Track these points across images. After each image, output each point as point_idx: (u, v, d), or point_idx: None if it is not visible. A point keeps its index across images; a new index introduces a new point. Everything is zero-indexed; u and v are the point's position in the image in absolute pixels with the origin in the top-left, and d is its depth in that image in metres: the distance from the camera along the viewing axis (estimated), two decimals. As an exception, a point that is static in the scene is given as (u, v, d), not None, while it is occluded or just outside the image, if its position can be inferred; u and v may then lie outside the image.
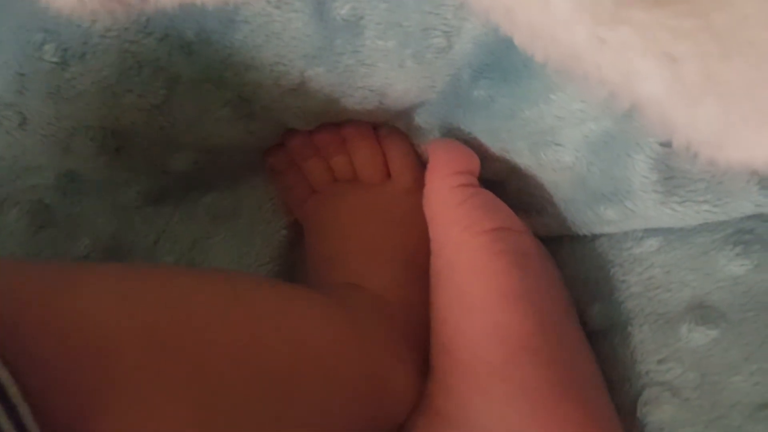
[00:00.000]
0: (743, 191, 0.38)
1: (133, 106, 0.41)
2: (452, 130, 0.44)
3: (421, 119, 0.45)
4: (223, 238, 0.49)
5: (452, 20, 0.38)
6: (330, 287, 0.43)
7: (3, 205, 0.45)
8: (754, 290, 0.39)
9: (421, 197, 0.43)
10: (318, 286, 0.45)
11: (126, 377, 0.28)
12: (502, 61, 0.39)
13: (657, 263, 0.42)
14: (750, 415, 0.38)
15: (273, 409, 0.32)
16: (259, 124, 0.44)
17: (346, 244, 0.45)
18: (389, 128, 0.47)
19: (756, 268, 0.40)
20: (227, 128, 0.44)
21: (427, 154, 0.43)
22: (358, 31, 0.38)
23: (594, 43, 0.29)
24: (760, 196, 0.38)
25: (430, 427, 0.38)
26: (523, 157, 0.42)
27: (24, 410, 0.25)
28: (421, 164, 0.46)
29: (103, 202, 0.47)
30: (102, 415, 0.27)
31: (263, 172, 0.50)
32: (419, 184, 0.43)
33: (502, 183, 0.44)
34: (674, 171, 0.38)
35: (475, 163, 0.42)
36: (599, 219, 0.42)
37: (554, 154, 0.40)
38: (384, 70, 0.40)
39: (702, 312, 0.40)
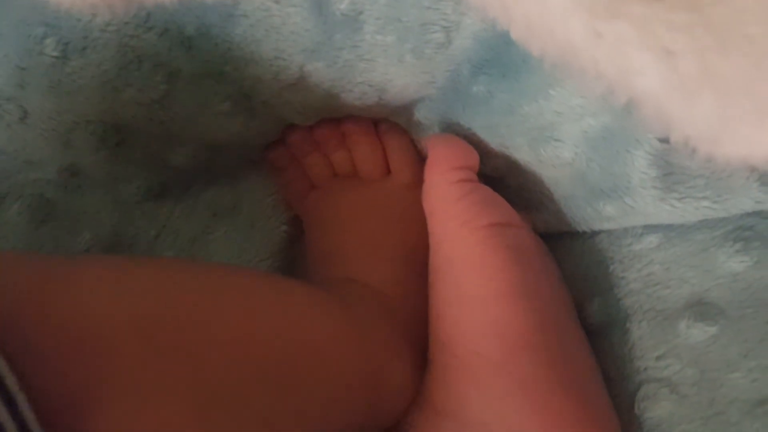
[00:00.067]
0: (743, 188, 0.38)
1: (133, 100, 0.41)
2: (452, 126, 0.44)
3: (420, 115, 0.45)
4: (223, 233, 0.49)
5: (451, 15, 0.38)
6: (329, 282, 0.43)
7: (5, 199, 0.45)
8: (754, 287, 0.39)
9: (420, 193, 0.43)
10: (317, 281, 0.45)
11: (123, 370, 0.28)
12: (501, 57, 0.39)
13: (656, 260, 0.42)
14: (748, 411, 0.38)
15: (270, 404, 0.32)
16: (259, 119, 0.45)
17: (345, 239, 0.46)
18: (389, 124, 0.47)
19: (755, 264, 0.40)
20: (227, 123, 0.44)
21: (426, 149, 0.43)
22: (357, 26, 0.38)
23: (590, 37, 0.29)
24: (760, 192, 0.38)
25: (427, 422, 0.38)
26: (522, 152, 0.42)
27: (21, 399, 0.25)
28: (420, 160, 0.46)
29: (104, 197, 0.47)
30: (98, 406, 0.27)
31: (264, 167, 0.50)
32: (419, 179, 0.43)
33: (502, 179, 0.44)
34: (673, 167, 0.38)
35: (474, 159, 0.42)
36: (598, 215, 0.42)
37: (553, 150, 0.40)
38: (383, 65, 0.40)
39: (701, 308, 0.40)
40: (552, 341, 0.38)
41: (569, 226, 0.44)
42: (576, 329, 0.41)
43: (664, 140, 0.37)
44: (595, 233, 0.44)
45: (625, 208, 0.41)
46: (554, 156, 0.41)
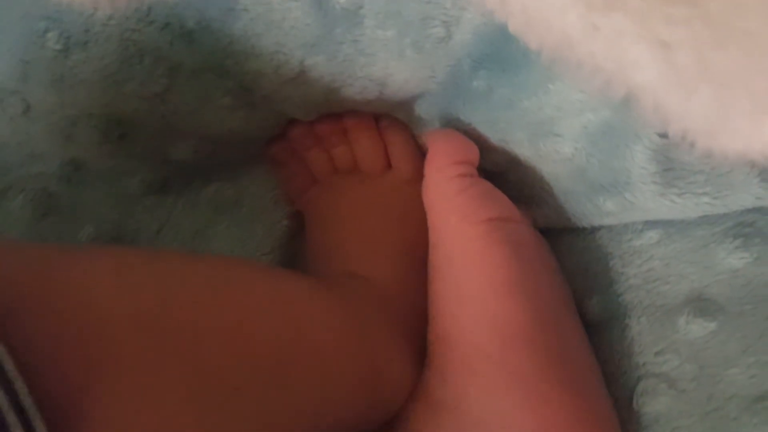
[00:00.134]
0: (743, 184, 0.38)
1: (134, 94, 0.41)
2: (452, 121, 0.44)
3: (421, 110, 0.45)
4: (225, 227, 0.49)
5: (451, 10, 0.38)
6: (329, 277, 0.44)
7: (7, 192, 0.46)
8: (753, 283, 0.39)
9: (421, 188, 0.43)
10: (317, 275, 0.45)
11: (121, 360, 0.28)
12: (501, 52, 0.39)
13: (656, 255, 0.42)
14: (747, 407, 0.38)
15: (268, 397, 0.33)
16: (261, 114, 0.45)
17: (345, 234, 0.46)
18: (390, 119, 0.47)
19: (755, 261, 0.40)
20: (228, 118, 0.44)
21: (427, 144, 0.43)
22: (357, 21, 0.39)
23: (588, 30, 0.29)
24: (760, 188, 0.38)
25: (425, 416, 0.38)
26: (522, 147, 0.42)
27: (20, 385, 0.25)
28: (421, 155, 0.46)
29: (106, 191, 0.47)
30: (96, 396, 0.27)
31: (265, 162, 0.50)
32: (419, 174, 0.43)
33: (502, 174, 0.44)
34: (673, 162, 0.38)
35: (474, 154, 0.42)
36: (598, 211, 0.42)
37: (553, 144, 0.40)
38: (384, 59, 0.40)
39: (700, 304, 0.40)
40: (551, 336, 0.38)
41: (569, 222, 0.44)
42: (575, 324, 0.41)
43: (664, 135, 0.37)
44: (595, 229, 0.44)
45: (625, 204, 0.41)
46: (554, 151, 0.41)
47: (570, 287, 0.43)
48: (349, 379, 0.37)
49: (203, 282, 0.34)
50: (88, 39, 0.39)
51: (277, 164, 0.50)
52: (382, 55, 0.40)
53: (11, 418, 0.24)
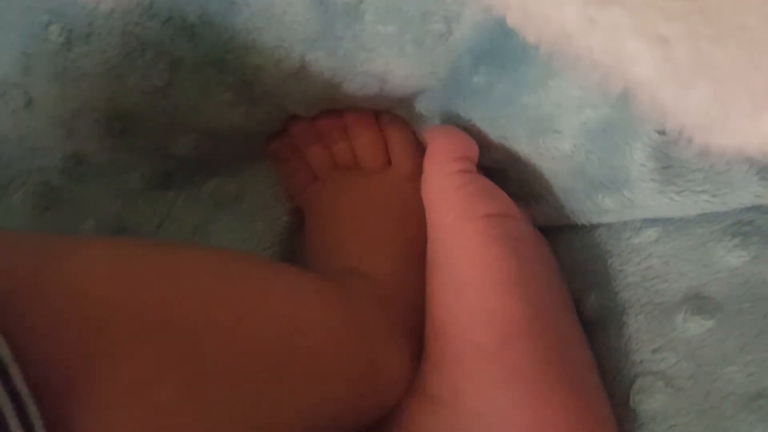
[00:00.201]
0: (742, 182, 0.38)
1: (136, 88, 0.41)
2: (453, 118, 0.44)
3: (422, 107, 0.45)
4: (225, 223, 0.49)
5: (452, 5, 0.38)
6: (328, 272, 0.44)
7: (9, 186, 0.46)
8: (752, 282, 0.39)
9: (420, 184, 0.43)
10: (317, 271, 0.45)
11: (116, 348, 0.28)
12: (501, 48, 0.39)
13: (655, 253, 0.42)
14: (744, 405, 0.37)
15: (264, 387, 0.33)
16: (262, 109, 0.45)
17: (345, 229, 0.46)
18: (390, 116, 0.47)
19: (754, 259, 0.40)
20: (229, 113, 0.44)
21: (426, 141, 0.43)
22: (358, 16, 0.39)
23: (585, 23, 0.29)
24: (759, 186, 0.38)
25: (421, 410, 0.38)
26: (522, 144, 0.42)
27: (15, 372, 0.25)
28: (422, 152, 0.46)
29: (107, 185, 0.48)
30: (91, 383, 0.27)
31: (266, 158, 0.50)
32: (420, 171, 0.43)
33: (502, 171, 0.44)
34: (672, 160, 0.38)
35: (473, 150, 0.42)
36: (597, 208, 0.42)
37: (553, 141, 0.40)
38: (384, 55, 0.41)
39: (698, 302, 0.40)
40: (548, 333, 0.38)
41: (569, 219, 0.44)
42: (572, 321, 0.41)
43: (663, 133, 0.37)
44: (594, 227, 0.44)
45: (624, 201, 0.41)
46: (553, 148, 0.41)
47: (568, 284, 0.43)
48: (347, 374, 0.37)
49: (202, 274, 0.34)
50: (90, 32, 0.39)
51: (278, 160, 0.50)
52: (383, 51, 0.40)
53: (5, 404, 0.24)
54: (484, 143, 0.43)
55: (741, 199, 0.39)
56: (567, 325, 0.40)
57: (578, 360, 0.39)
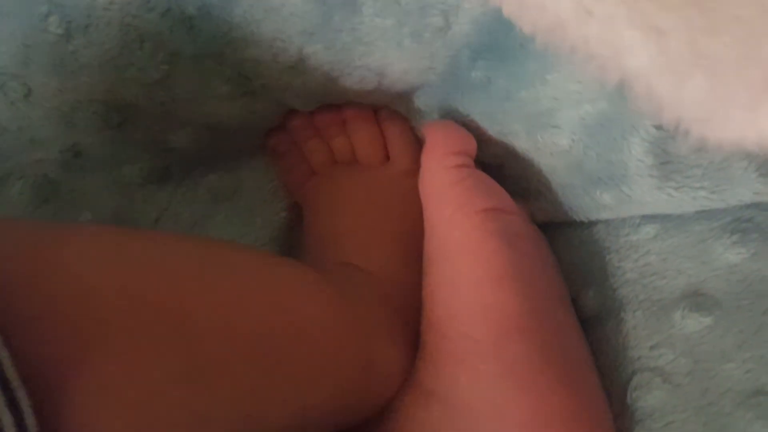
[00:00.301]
0: (741, 178, 0.38)
1: (134, 80, 0.41)
2: (451, 113, 0.44)
3: (420, 102, 0.45)
4: (223, 217, 0.49)
5: (450, -1, 0.38)
6: (325, 266, 0.44)
7: (8, 178, 0.46)
8: (750, 279, 0.39)
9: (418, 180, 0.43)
10: (314, 265, 0.45)
11: (108, 336, 0.28)
12: (500, 42, 0.39)
13: (653, 250, 0.42)
14: (741, 402, 0.37)
15: (256, 377, 0.32)
16: (260, 103, 0.45)
17: (343, 224, 0.46)
18: (389, 111, 0.47)
19: (753, 256, 0.39)
20: (228, 106, 0.44)
21: (425, 135, 0.43)
22: (356, 8, 0.39)
23: (581, 14, 0.29)
24: (758, 183, 0.38)
25: (416, 404, 0.38)
26: (520, 139, 0.42)
27: (4, 356, 0.25)
28: (420, 147, 0.46)
29: (106, 179, 0.48)
30: (83, 369, 0.27)
31: (264, 153, 0.50)
32: (418, 167, 0.43)
33: (500, 168, 0.44)
34: (670, 156, 0.38)
35: (471, 145, 0.42)
36: (596, 204, 0.42)
37: (551, 136, 0.40)
38: (382, 48, 0.41)
39: (697, 299, 0.40)
40: (543, 327, 0.38)
41: (567, 216, 0.44)
42: (569, 317, 0.41)
43: (660, 127, 0.37)
44: (592, 223, 0.44)
45: (622, 197, 0.41)
46: (551, 143, 0.41)
47: (566, 281, 0.43)
48: (341, 368, 0.37)
49: (198, 263, 0.34)
50: (89, 23, 0.39)
51: (276, 155, 0.50)
52: (381, 44, 0.40)
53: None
54: (482, 138, 0.43)
55: (740, 195, 0.39)
56: (564, 320, 0.40)
57: (575, 356, 0.39)
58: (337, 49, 0.40)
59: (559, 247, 0.44)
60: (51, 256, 0.29)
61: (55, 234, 0.31)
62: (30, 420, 0.25)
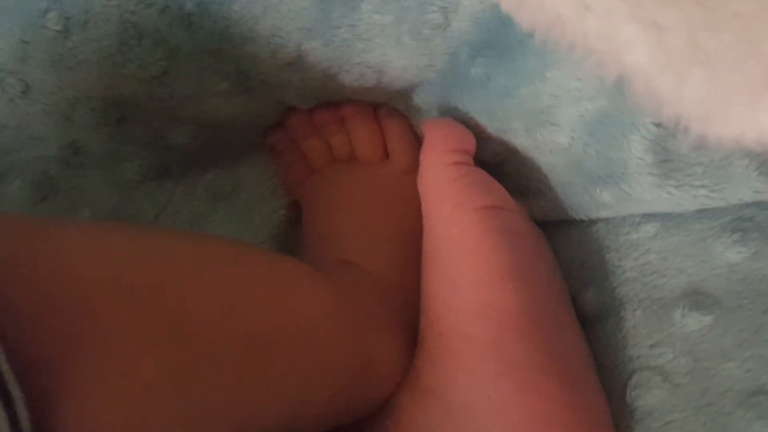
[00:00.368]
0: (742, 176, 0.38)
1: (133, 76, 0.41)
2: (450, 111, 0.44)
3: (420, 99, 0.45)
4: (222, 215, 0.49)
5: (449, -5, 0.38)
6: (322, 263, 0.43)
7: (7, 175, 0.46)
8: (751, 278, 0.39)
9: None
10: (311, 262, 0.45)
11: (102, 330, 0.28)
12: (499, 39, 0.39)
13: (653, 249, 0.42)
14: (741, 401, 0.37)
15: (250, 373, 0.32)
16: (258, 100, 0.45)
17: (341, 222, 0.46)
18: (388, 108, 0.47)
19: (753, 256, 0.39)
20: (226, 103, 0.44)
21: (424, 133, 0.43)
22: (354, 5, 0.39)
23: (579, 9, 0.29)
24: (759, 182, 0.38)
25: (414, 403, 0.38)
26: (519, 137, 0.42)
27: None
28: (419, 145, 0.46)
29: (105, 176, 0.47)
30: (76, 364, 0.27)
31: (263, 151, 0.50)
32: (417, 164, 0.43)
33: (499, 166, 0.44)
34: (671, 154, 0.38)
35: (470, 142, 0.42)
36: (595, 202, 0.42)
37: (550, 134, 0.40)
38: (381, 45, 0.40)
39: (697, 298, 0.39)
40: (542, 325, 0.38)
41: (566, 214, 0.44)
42: (568, 315, 0.40)
43: (660, 125, 0.37)
44: (592, 222, 0.44)
45: (621, 195, 0.40)
46: (551, 140, 0.40)
47: (566, 279, 0.42)
48: (338, 364, 0.37)
49: (194, 258, 0.34)
50: (87, 20, 0.39)
51: (275, 153, 0.50)
52: (380, 41, 0.40)
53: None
54: (481, 136, 0.43)
55: (740, 194, 0.39)
56: (563, 318, 0.40)
57: (574, 354, 0.39)
58: (335, 46, 0.40)
59: (559, 246, 0.44)
60: (46, 251, 0.29)
61: (51, 230, 0.31)
62: (23, 415, 0.25)
